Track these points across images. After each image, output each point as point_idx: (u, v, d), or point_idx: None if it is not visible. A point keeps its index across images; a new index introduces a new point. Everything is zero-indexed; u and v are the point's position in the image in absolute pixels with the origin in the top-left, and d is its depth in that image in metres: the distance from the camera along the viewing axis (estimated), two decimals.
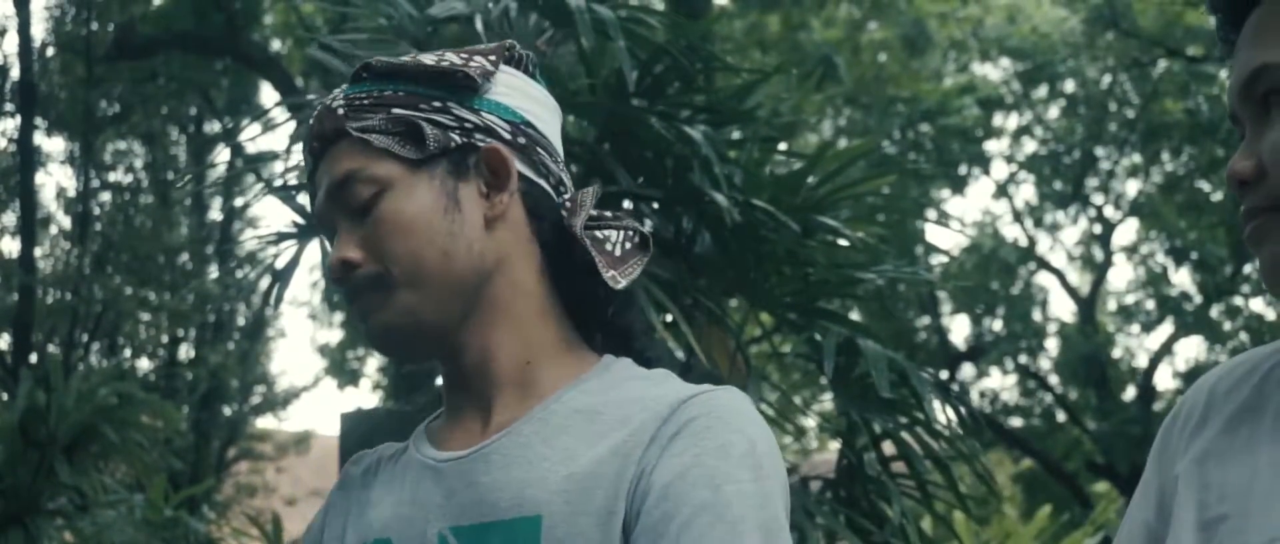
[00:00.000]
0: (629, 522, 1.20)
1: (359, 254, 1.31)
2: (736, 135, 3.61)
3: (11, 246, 12.17)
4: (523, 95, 1.38)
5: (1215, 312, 15.91)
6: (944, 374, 15.59)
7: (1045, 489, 16.41)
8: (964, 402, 3.47)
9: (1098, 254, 17.30)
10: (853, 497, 3.32)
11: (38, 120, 12.04)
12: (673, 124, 3.29)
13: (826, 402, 3.65)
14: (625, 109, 3.29)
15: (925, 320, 16.85)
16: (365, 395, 19.52)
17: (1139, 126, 15.35)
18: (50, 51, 12.37)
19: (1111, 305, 18.13)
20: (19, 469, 6.83)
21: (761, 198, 3.32)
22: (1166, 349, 16.61)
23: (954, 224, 17.08)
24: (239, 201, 15.59)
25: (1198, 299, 15.91)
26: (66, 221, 13.52)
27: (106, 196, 13.89)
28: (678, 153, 3.30)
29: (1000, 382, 17.48)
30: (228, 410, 16.35)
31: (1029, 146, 16.82)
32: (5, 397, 8.62)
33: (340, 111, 1.34)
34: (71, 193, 13.34)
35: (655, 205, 3.43)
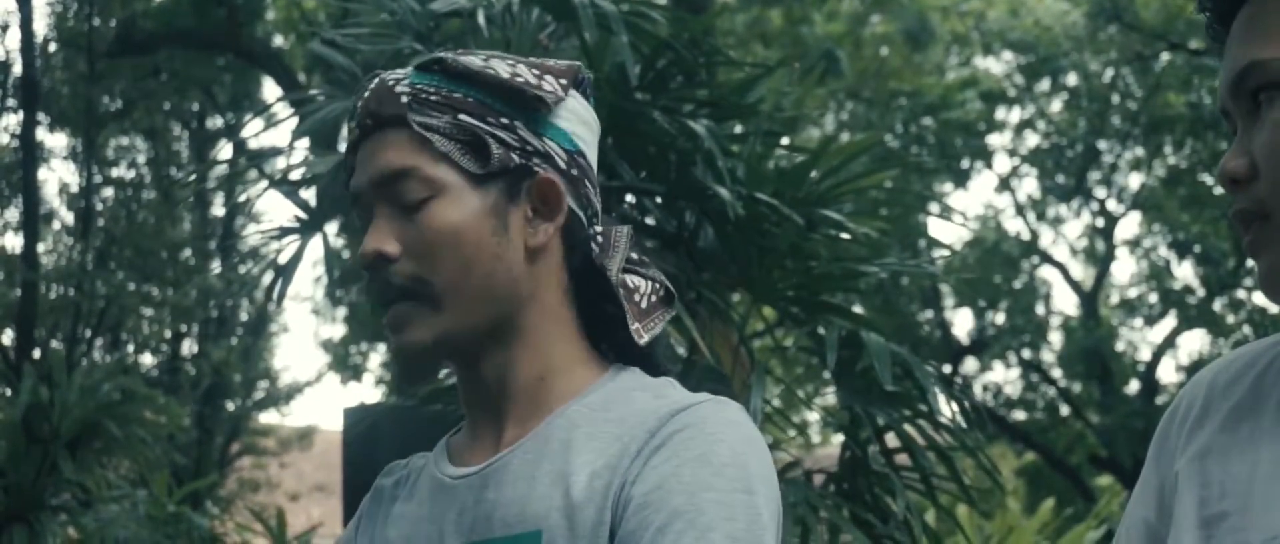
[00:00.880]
0: (613, 532, 1.20)
1: (397, 249, 1.29)
2: (739, 130, 3.61)
3: (14, 242, 12.18)
4: (580, 122, 1.37)
5: (1218, 305, 15.91)
6: (947, 368, 15.60)
7: (1048, 483, 16.43)
8: (967, 395, 3.47)
9: (1100, 247, 17.29)
10: (856, 490, 3.32)
11: (40, 116, 12.05)
12: (675, 118, 3.29)
13: (829, 395, 3.64)
14: (628, 103, 3.29)
15: (928, 314, 16.85)
16: (368, 390, 19.54)
17: (1141, 120, 15.34)
18: (52, 47, 12.37)
19: (1114, 299, 18.12)
20: (22, 465, 6.84)
21: (764, 192, 3.32)
22: (1169, 342, 16.61)
23: (956, 218, 17.11)
24: (242, 197, 15.57)
25: (1200, 292, 15.91)
26: (69, 217, 13.53)
27: (109, 192, 13.89)
28: (681, 147, 3.30)
29: (1003, 375, 17.49)
30: (231, 406, 16.35)
31: (1031, 140, 16.82)
32: (8, 392, 8.62)
33: (403, 99, 1.31)
34: (74, 188, 13.35)
35: (658, 200, 3.44)
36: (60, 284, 12.30)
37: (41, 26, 12.51)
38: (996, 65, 16.67)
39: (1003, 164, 17.00)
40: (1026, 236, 16.90)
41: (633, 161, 3.38)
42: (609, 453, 1.24)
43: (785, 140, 3.87)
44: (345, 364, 19.04)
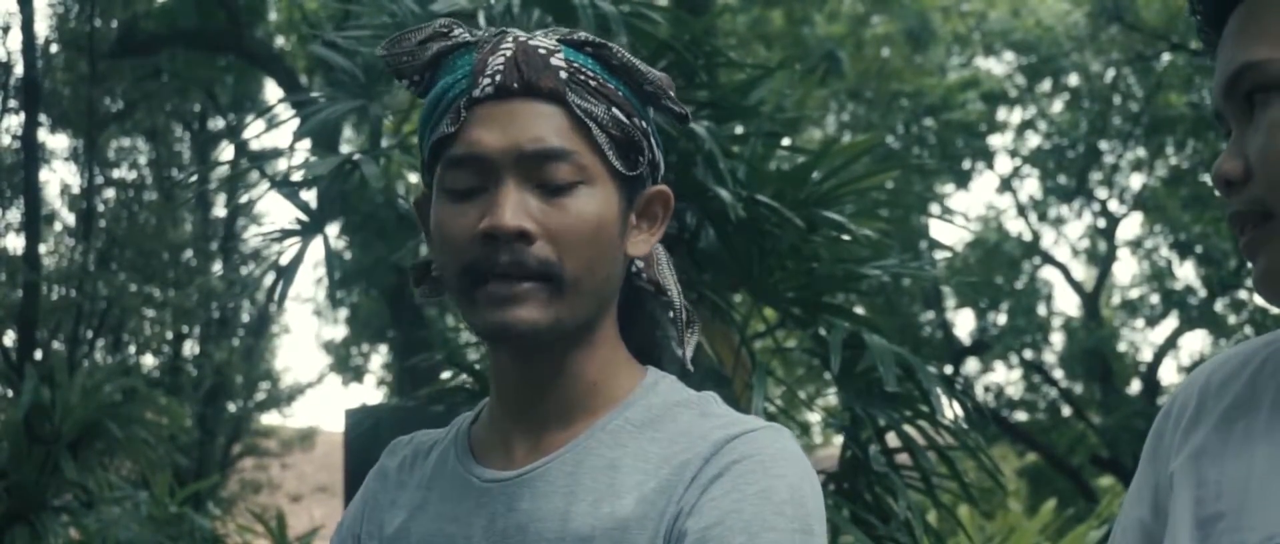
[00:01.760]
0: None
1: (536, 228, 1.24)
2: (740, 130, 3.60)
3: (16, 243, 12.17)
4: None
5: (1220, 305, 15.90)
6: (948, 369, 15.58)
7: (1050, 483, 16.41)
8: (969, 396, 3.47)
9: (1102, 248, 17.29)
10: (857, 490, 3.32)
11: (41, 117, 12.04)
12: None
13: (830, 397, 3.65)
14: None
15: (929, 315, 16.84)
16: (370, 392, 19.55)
17: (1143, 120, 15.33)
18: (54, 48, 12.36)
19: (1116, 299, 18.11)
20: (24, 466, 6.84)
21: (765, 193, 3.32)
22: (1171, 343, 16.60)
23: (958, 219, 17.06)
24: (243, 198, 15.58)
25: (1202, 293, 15.89)
26: (71, 218, 13.52)
27: (110, 193, 13.88)
28: (681, 148, 3.30)
29: (1005, 376, 17.48)
30: (232, 407, 16.35)
31: (1033, 141, 16.81)
32: (10, 393, 8.62)
33: (562, 74, 1.27)
34: (75, 190, 13.34)
35: None
36: (62, 285, 12.29)
37: (43, 27, 12.54)
38: (998, 66, 16.67)
39: (1004, 165, 17.01)
40: (1028, 237, 16.90)
41: None
42: (660, 475, 1.22)
43: (786, 141, 3.87)
44: (347, 365, 19.04)
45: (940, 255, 13.41)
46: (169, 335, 15.15)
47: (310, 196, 3.64)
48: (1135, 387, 16.82)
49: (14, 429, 6.90)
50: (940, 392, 3.22)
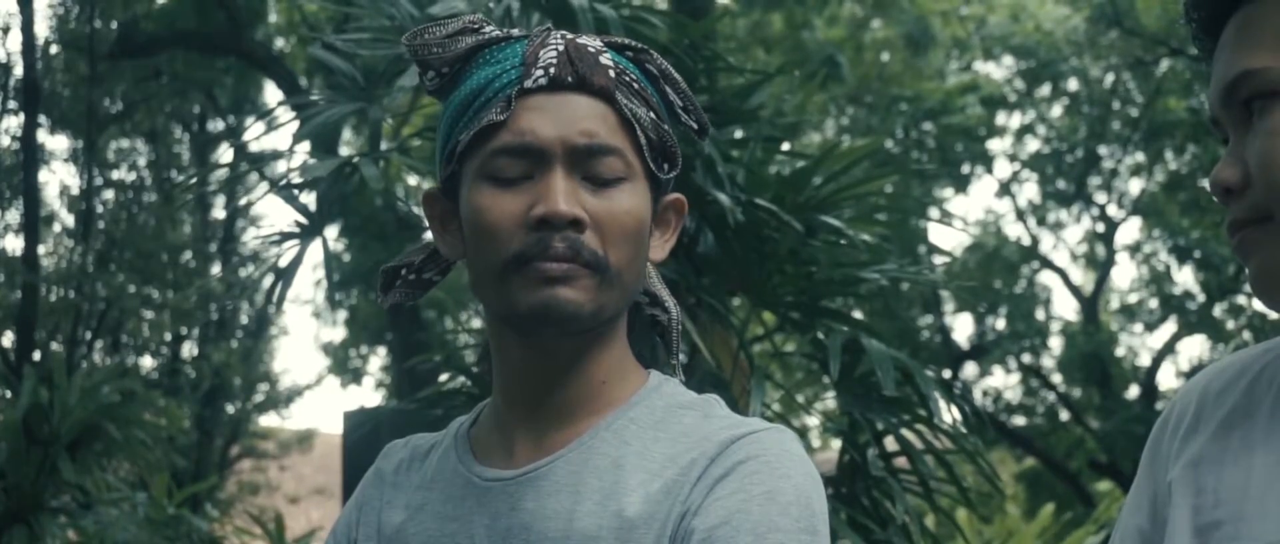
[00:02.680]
0: None
1: (586, 219, 1.26)
2: (739, 135, 3.61)
3: (15, 244, 12.17)
4: None
5: (1218, 310, 15.90)
6: (947, 373, 15.59)
7: (1048, 488, 16.40)
8: (967, 400, 3.47)
9: (1101, 253, 17.29)
10: (855, 494, 3.32)
11: (41, 118, 12.04)
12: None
13: (829, 401, 3.65)
14: None
15: (928, 319, 16.84)
16: (368, 393, 19.56)
17: (1142, 125, 15.33)
18: (53, 49, 12.36)
19: (1114, 304, 18.11)
20: (22, 467, 6.83)
21: (764, 197, 3.32)
22: (1169, 348, 16.60)
23: (957, 223, 17.08)
24: (242, 200, 15.59)
25: (1201, 298, 15.89)
26: (70, 219, 13.52)
27: (110, 195, 13.88)
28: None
29: (1003, 381, 17.49)
30: (231, 408, 16.35)
31: (1032, 145, 16.81)
32: (9, 394, 8.62)
33: (610, 73, 1.29)
34: (75, 191, 13.34)
35: None
36: (61, 286, 12.29)
37: (42, 29, 12.52)
38: (997, 70, 16.67)
39: (1003, 169, 17.03)
40: (1027, 242, 16.90)
41: None
42: (666, 475, 1.23)
43: (785, 146, 3.88)
44: (345, 367, 19.03)
45: (939, 260, 13.40)
46: (167, 337, 15.15)
47: (309, 199, 3.64)
48: (1134, 391, 16.81)
49: (12, 430, 6.89)
50: (938, 396, 3.23)
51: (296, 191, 3.55)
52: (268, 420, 17.78)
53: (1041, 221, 17.08)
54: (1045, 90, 16.36)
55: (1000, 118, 16.55)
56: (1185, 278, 16.37)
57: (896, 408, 3.26)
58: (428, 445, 1.40)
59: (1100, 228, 17.03)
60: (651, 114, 1.30)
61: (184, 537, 7.27)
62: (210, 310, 15.30)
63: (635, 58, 1.32)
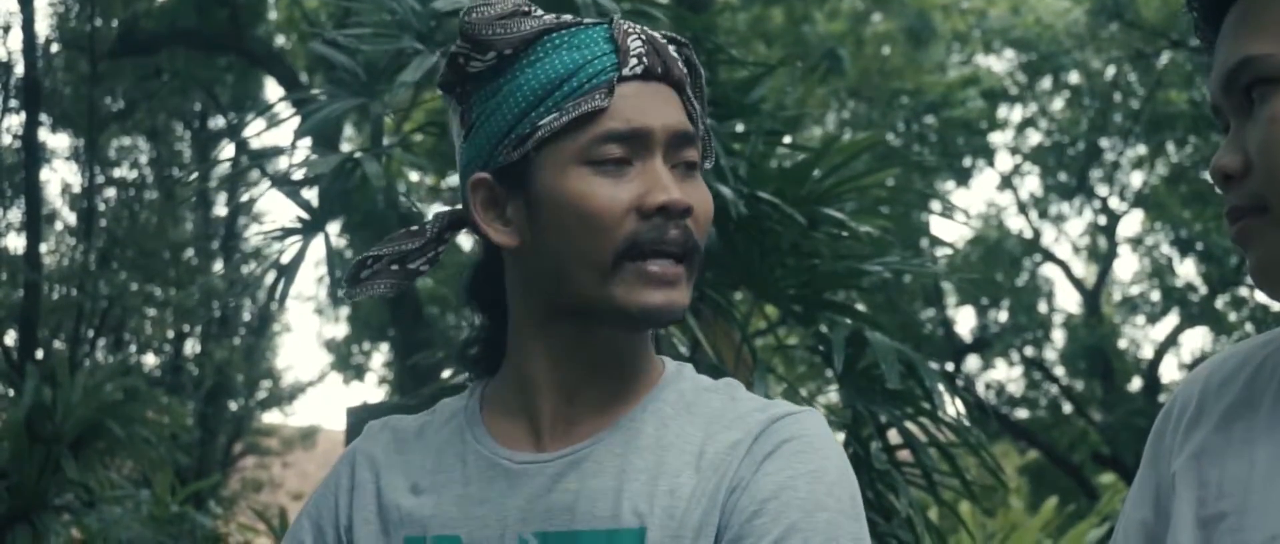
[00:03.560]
0: (719, 533, 1.22)
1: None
2: (741, 128, 3.60)
3: (17, 243, 12.18)
4: None
5: (1220, 302, 15.90)
6: (949, 366, 15.60)
7: (1051, 481, 16.41)
8: (970, 393, 3.47)
9: (1103, 245, 17.28)
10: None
11: (42, 117, 12.04)
12: None
13: (831, 394, 3.66)
14: None
15: (930, 312, 16.84)
16: (371, 390, 19.54)
17: (1143, 118, 15.33)
18: (54, 48, 12.36)
19: (1117, 297, 18.11)
20: (25, 465, 6.83)
21: (766, 191, 3.32)
22: (1172, 340, 16.60)
23: (959, 216, 17.09)
24: (244, 197, 15.59)
25: (1203, 290, 15.90)
26: (71, 218, 13.54)
27: (111, 193, 13.89)
28: None
29: (1006, 373, 17.47)
30: (233, 406, 16.36)
31: (1033, 138, 16.81)
32: (11, 393, 8.62)
33: (680, 66, 1.32)
34: (76, 189, 13.35)
35: None
36: (63, 284, 12.30)
37: (43, 27, 12.51)
38: (998, 63, 16.67)
39: (1005, 162, 17.00)
40: (1029, 234, 16.89)
41: None
42: (709, 453, 1.25)
43: (787, 139, 3.87)
44: (348, 364, 19.04)
45: (941, 253, 13.41)
46: (170, 334, 15.17)
47: (311, 195, 3.64)
48: (1136, 384, 16.82)
49: (15, 429, 6.89)
50: (942, 389, 3.23)
51: (298, 188, 3.54)
52: (271, 417, 17.81)
53: (1043, 214, 17.08)
54: (1046, 83, 16.36)
55: (1001, 111, 16.54)
56: (1187, 270, 16.38)
57: (900, 401, 3.26)
58: (415, 426, 1.39)
59: (1102, 220, 17.02)
60: (698, 107, 1.33)
61: (187, 534, 7.28)
62: (212, 308, 15.30)
63: (681, 51, 1.35)
